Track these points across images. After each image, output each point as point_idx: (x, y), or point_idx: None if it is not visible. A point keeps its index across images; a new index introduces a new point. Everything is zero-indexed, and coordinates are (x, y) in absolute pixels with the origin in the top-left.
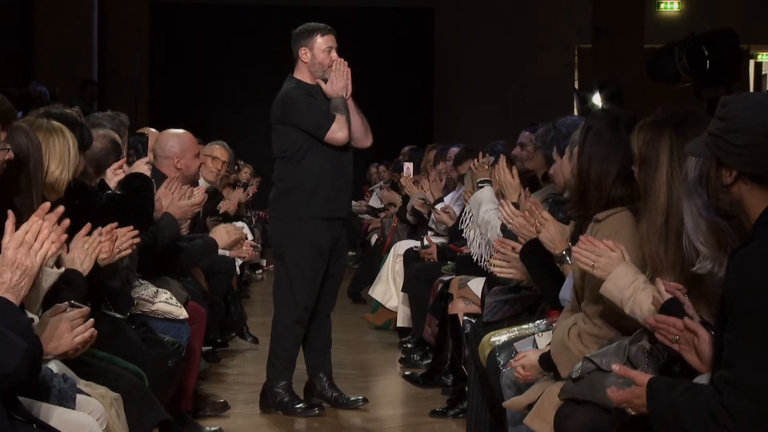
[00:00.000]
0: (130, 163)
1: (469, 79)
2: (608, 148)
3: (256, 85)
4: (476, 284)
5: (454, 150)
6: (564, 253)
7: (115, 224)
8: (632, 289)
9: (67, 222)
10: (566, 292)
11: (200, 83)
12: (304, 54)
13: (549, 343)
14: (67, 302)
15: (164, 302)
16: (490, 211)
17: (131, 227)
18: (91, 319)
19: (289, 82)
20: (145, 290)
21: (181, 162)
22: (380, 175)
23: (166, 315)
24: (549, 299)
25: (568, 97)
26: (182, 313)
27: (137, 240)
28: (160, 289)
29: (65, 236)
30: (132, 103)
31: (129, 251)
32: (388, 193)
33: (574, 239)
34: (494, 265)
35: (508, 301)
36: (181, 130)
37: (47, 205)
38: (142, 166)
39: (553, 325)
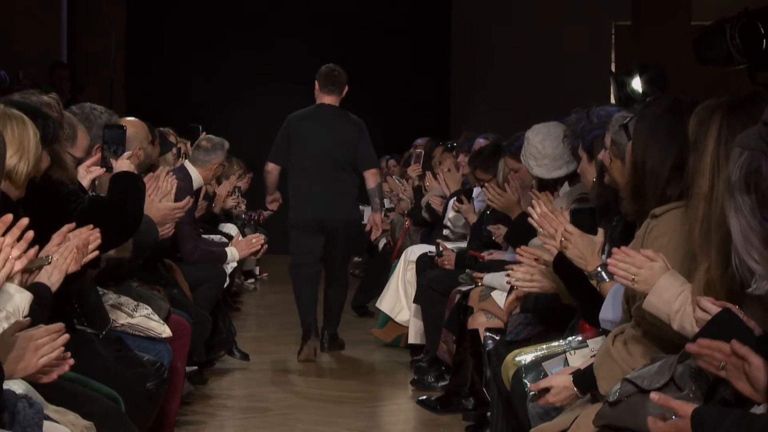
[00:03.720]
0: (104, 160)
1: (490, 64)
2: (667, 135)
3: (248, 70)
4: (500, 296)
5: (481, 141)
6: (599, 269)
7: (91, 232)
8: (680, 302)
9: (30, 234)
10: (607, 313)
11: (185, 66)
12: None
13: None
14: (29, 318)
15: (145, 317)
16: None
17: (91, 226)
18: (63, 337)
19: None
20: (123, 301)
21: (140, 152)
22: (390, 169)
23: (147, 332)
24: (588, 319)
25: (603, 83)
26: (165, 331)
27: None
28: (141, 304)
29: (33, 250)
30: (107, 88)
31: (96, 253)
32: (391, 180)
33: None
34: (515, 279)
35: (535, 317)
36: (130, 118)
37: (9, 217)
38: (125, 164)
39: (588, 342)
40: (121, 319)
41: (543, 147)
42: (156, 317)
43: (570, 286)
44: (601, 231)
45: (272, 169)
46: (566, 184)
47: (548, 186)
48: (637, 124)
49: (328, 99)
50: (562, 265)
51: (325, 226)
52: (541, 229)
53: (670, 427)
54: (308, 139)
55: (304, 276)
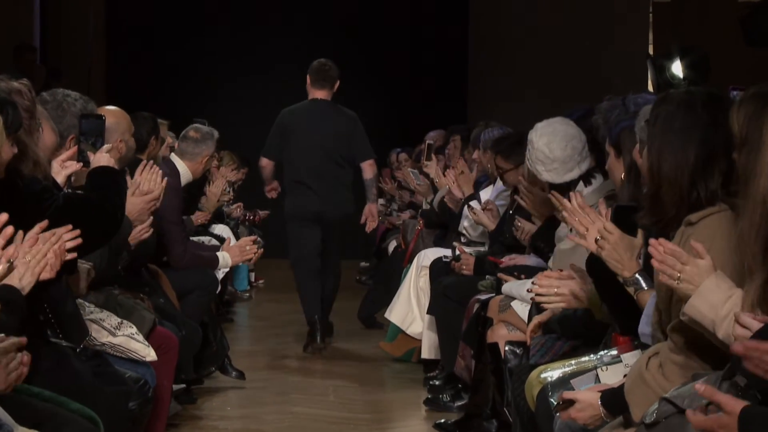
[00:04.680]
0: (81, 153)
1: (511, 47)
2: (682, 134)
3: (243, 54)
4: (521, 306)
5: (495, 134)
6: (637, 276)
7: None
8: (729, 307)
9: (9, 230)
10: (646, 326)
11: (172, 50)
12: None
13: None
14: None
15: (128, 336)
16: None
17: (70, 227)
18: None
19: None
20: (105, 317)
21: (121, 144)
22: (401, 163)
23: (129, 354)
24: (623, 328)
25: (640, 68)
26: (150, 354)
27: (77, 241)
28: (125, 321)
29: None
30: (84, 75)
31: (73, 255)
32: (405, 172)
33: (645, 259)
34: (536, 294)
35: (561, 335)
36: (110, 107)
37: None
38: (104, 158)
39: (622, 356)
40: (102, 336)
41: (550, 150)
42: (140, 337)
43: (603, 292)
44: (640, 233)
45: (266, 164)
46: (581, 182)
47: (561, 189)
48: (649, 125)
49: (319, 94)
50: (594, 269)
51: (321, 218)
52: (571, 227)
53: (712, 422)
54: (302, 133)
55: (307, 271)
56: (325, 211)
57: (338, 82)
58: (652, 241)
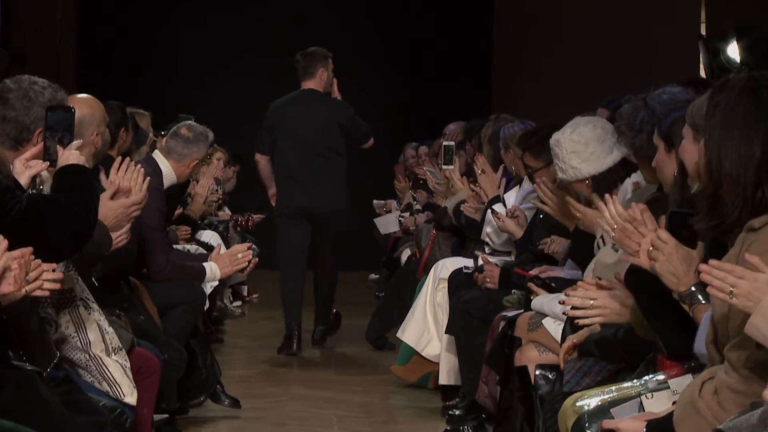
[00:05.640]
0: (47, 151)
1: (540, 30)
2: (745, 126)
3: (232, 37)
4: (553, 324)
5: (516, 129)
6: (693, 289)
7: (29, 250)
8: None
9: None
10: (702, 345)
11: (151, 32)
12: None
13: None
14: None
15: (121, 366)
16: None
17: (31, 249)
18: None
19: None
20: (110, 330)
21: (97, 138)
22: (421, 158)
23: (110, 385)
24: (670, 350)
25: (691, 52)
26: (132, 396)
27: (56, 286)
28: (123, 349)
29: None
30: (52, 59)
31: (45, 293)
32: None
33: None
34: (571, 307)
35: (599, 359)
36: (82, 95)
37: None
38: (74, 155)
39: (670, 382)
40: (95, 348)
41: (579, 135)
42: (130, 374)
43: (648, 310)
44: (700, 244)
45: (260, 159)
46: (626, 182)
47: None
48: (707, 116)
49: (306, 84)
50: (637, 282)
51: (312, 214)
52: (612, 234)
53: None
54: (289, 125)
55: (291, 273)
56: (314, 206)
57: (325, 69)
58: (712, 262)
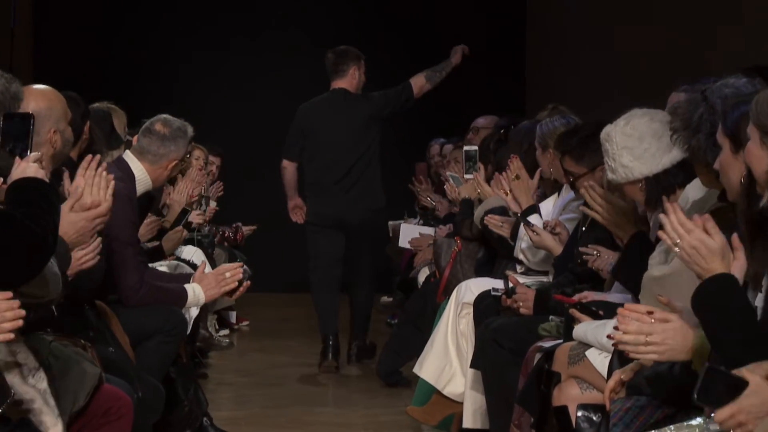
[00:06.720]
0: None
1: (578, 19)
2: None
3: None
4: (598, 356)
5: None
6: None
7: None
8: None
9: None
10: None
11: (121, 14)
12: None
13: None
14: None
15: (39, 393)
16: None
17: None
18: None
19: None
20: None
21: (56, 136)
22: (445, 157)
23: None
24: None
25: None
26: (55, 429)
27: (18, 324)
28: (41, 369)
29: None
30: (6, 45)
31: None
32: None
33: None
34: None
35: (654, 397)
36: (39, 86)
37: None
38: (31, 168)
39: None
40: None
41: (633, 128)
42: (52, 401)
43: (719, 336)
44: None
45: (287, 165)
46: (687, 188)
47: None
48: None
49: (338, 83)
50: (705, 305)
51: (345, 221)
52: (676, 249)
53: None
54: (321, 128)
55: (321, 280)
56: (347, 213)
57: (358, 68)
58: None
